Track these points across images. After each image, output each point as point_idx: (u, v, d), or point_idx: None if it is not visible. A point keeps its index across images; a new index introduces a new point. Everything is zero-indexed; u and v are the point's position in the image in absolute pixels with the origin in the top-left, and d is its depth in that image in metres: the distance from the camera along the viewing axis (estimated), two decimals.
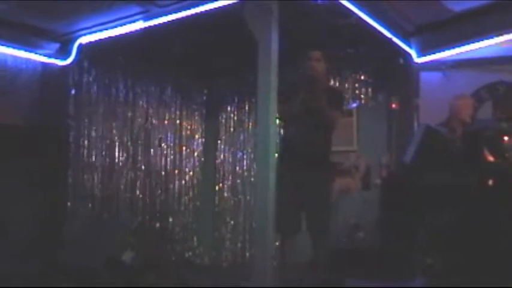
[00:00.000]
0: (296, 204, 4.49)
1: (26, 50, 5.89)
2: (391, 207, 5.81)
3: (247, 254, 7.07)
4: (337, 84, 6.78)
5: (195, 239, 7.38)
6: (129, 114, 6.86)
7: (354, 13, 5.50)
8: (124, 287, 4.81)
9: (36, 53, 5.98)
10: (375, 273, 5.30)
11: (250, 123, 7.44)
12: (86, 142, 6.41)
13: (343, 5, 5.35)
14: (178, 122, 7.44)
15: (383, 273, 5.29)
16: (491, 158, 5.04)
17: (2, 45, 5.75)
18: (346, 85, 6.81)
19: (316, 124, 4.52)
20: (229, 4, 5.09)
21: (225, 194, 7.61)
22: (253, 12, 4.70)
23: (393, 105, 6.65)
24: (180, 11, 5.39)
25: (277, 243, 4.92)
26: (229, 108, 7.70)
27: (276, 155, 4.63)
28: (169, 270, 5.58)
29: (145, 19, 5.57)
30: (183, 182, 7.46)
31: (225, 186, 7.63)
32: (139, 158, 6.95)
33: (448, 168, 4.95)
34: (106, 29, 5.80)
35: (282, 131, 5.29)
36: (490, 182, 4.93)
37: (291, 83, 4.68)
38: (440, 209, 4.97)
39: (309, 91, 4.50)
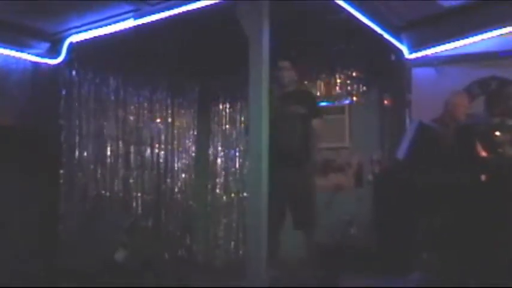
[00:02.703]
0: (277, 202, 4.59)
1: (15, 50, 5.84)
2: (384, 203, 5.90)
3: (241, 252, 7.08)
4: (330, 80, 6.82)
5: (188, 237, 7.37)
6: (121, 112, 6.84)
7: (344, 9, 5.52)
8: (124, 287, 4.78)
9: (26, 53, 5.93)
10: (368, 270, 5.33)
11: (243, 120, 7.46)
12: (77, 141, 6.37)
13: (334, 2, 5.36)
14: (170, 119, 7.44)
15: (377, 269, 5.32)
16: (484, 153, 5.08)
17: None
18: (338, 81, 6.86)
19: (291, 127, 4.76)
20: (220, 2, 5.09)
21: (218, 192, 7.63)
22: (244, 9, 4.71)
23: (385, 102, 6.72)
24: (171, 9, 5.38)
25: None
26: (221, 106, 7.72)
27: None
28: (164, 269, 5.57)
29: (136, 17, 5.55)
30: (176, 180, 7.46)
31: (218, 183, 7.64)
32: (132, 156, 6.93)
33: (441, 164, 4.99)
34: (96, 28, 5.77)
35: None
36: (483, 177, 4.97)
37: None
38: (433, 205, 4.99)
39: (279, 99, 4.74)
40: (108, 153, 6.69)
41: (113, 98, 6.78)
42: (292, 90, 5.01)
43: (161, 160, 7.29)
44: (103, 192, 6.53)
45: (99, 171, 6.55)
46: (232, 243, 7.38)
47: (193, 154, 7.69)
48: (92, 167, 6.49)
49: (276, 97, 4.66)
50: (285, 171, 4.66)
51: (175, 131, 7.50)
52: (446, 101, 5.36)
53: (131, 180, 6.89)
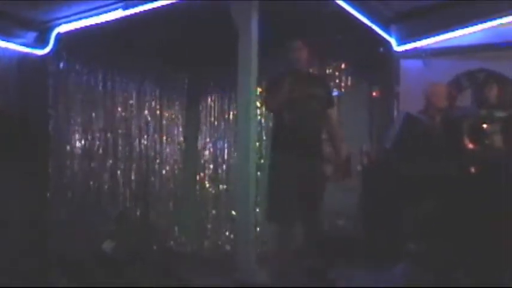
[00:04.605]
0: (293, 193, 4.46)
1: (1, 39, 5.76)
2: (373, 194, 5.93)
3: (230, 243, 7.09)
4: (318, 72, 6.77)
5: (176, 228, 7.40)
6: (109, 103, 6.81)
7: (333, 1, 5.53)
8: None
9: (12, 42, 5.84)
10: (356, 261, 5.38)
11: (232, 113, 7.47)
12: (65, 131, 6.36)
13: None
14: (158, 111, 7.42)
15: (365, 261, 5.37)
16: (471, 145, 5.13)
17: None
18: (327, 73, 6.86)
19: (309, 112, 4.53)
20: None
21: (207, 184, 7.64)
22: (234, 0, 4.73)
23: (374, 94, 6.76)
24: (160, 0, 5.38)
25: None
26: (210, 98, 7.72)
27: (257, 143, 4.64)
28: (152, 260, 5.58)
29: (125, 8, 5.52)
30: (164, 171, 7.46)
31: (206, 175, 7.66)
32: (120, 147, 6.90)
33: (429, 156, 5.03)
34: (85, 18, 5.72)
35: (272, 121, 5.28)
36: (470, 169, 5.02)
37: (277, 74, 4.67)
38: (421, 196, 5.04)
39: (295, 80, 4.49)
40: (97, 143, 6.66)
41: (101, 88, 6.74)
42: (308, 72, 4.81)
43: (150, 151, 7.28)
44: (91, 183, 6.51)
45: (87, 162, 6.52)
46: (222, 234, 7.39)
47: (182, 145, 7.68)
48: (80, 157, 6.46)
49: (292, 79, 4.46)
50: (302, 159, 4.48)
51: (164, 122, 7.48)
52: (426, 93, 5.43)
53: (119, 172, 6.86)
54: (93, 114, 6.63)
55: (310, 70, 4.94)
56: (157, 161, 7.36)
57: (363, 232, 6.07)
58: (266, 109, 5.87)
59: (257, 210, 6.06)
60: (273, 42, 4.89)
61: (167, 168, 7.50)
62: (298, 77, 4.52)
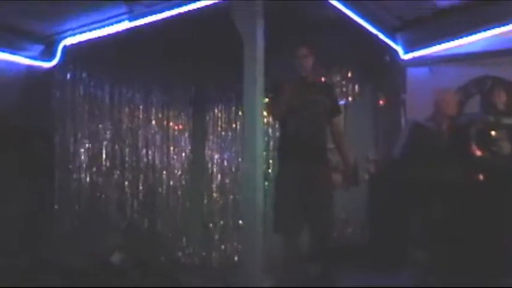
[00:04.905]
0: (298, 203, 4.40)
1: (9, 52, 5.82)
2: (380, 203, 5.92)
3: (237, 253, 7.03)
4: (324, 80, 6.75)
5: (184, 239, 7.37)
6: (116, 114, 6.83)
7: (339, 10, 5.53)
8: (121, 287, 4.78)
9: (20, 55, 5.91)
10: (363, 268, 5.36)
11: (238, 123, 7.47)
12: (72, 143, 6.38)
13: (329, 2, 5.38)
14: (165, 121, 7.43)
15: (372, 268, 5.35)
16: (478, 152, 5.10)
17: None
18: (333, 81, 6.83)
19: (314, 120, 4.47)
20: (215, 2, 5.10)
21: (214, 194, 7.62)
22: (239, 8, 4.72)
23: (380, 102, 6.75)
24: (166, 11, 5.39)
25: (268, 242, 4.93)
26: (217, 107, 7.71)
27: (265, 153, 4.62)
28: (160, 271, 5.57)
29: (131, 19, 5.55)
30: (172, 182, 7.46)
31: (214, 185, 7.64)
32: (127, 158, 6.93)
33: (436, 163, 4.98)
34: (91, 30, 5.77)
35: (278, 129, 5.26)
36: (478, 176, 5.00)
37: (281, 81, 4.62)
38: (428, 204, 5.00)
39: (299, 87, 4.45)
40: (103, 155, 6.69)
41: (107, 100, 6.77)
42: (313, 79, 4.72)
43: (157, 162, 7.28)
44: (98, 194, 6.52)
45: (94, 173, 6.53)
46: (228, 245, 7.35)
47: (189, 156, 7.68)
48: (87, 168, 6.47)
49: (298, 86, 4.42)
50: (308, 167, 4.41)
51: (171, 132, 7.48)
52: (435, 100, 5.38)
53: (126, 183, 6.88)
54: (100, 125, 6.67)
55: (316, 77, 4.88)
56: (164, 172, 7.36)
57: (370, 240, 6.06)
58: (270, 117, 5.87)
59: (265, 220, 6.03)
60: (278, 50, 4.89)
61: (174, 179, 7.49)
62: (302, 84, 4.48)
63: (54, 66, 6.10)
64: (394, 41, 6.53)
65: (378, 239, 5.85)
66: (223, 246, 7.40)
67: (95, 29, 5.76)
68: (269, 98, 4.82)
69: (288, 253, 4.47)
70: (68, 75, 6.34)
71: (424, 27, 6.38)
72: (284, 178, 4.49)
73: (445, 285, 4.61)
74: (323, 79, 6.31)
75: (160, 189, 7.31)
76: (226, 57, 5.75)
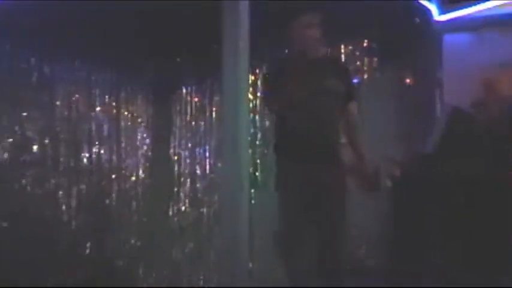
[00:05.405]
0: (304, 209, 4.47)
1: None
2: (406, 216, 5.95)
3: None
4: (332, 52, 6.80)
5: (140, 269, 7.32)
6: (46, 98, 6.76)
7: None
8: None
9: None
10: None
11: (214, 109, 7.47)
12: None
13: None
14: (115, 108, 7.41)
15: None
16: None
17: None
18: (343, 53, 6.90)
19: (322, 111, 4.48)
20: None
21: (182, 206, 7.61)
22: None
23: (407, 81, 6.76)
24: None
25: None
26: (185, 89, 7.70)
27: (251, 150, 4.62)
28: None
29: None
30: (124, 189, 7.44)
31: (182, 194, 7.62)
32: (61, 158, 6.85)
33: (485, 164, 5.06)
34: None
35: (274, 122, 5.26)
36: None
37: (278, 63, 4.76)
38: (472, 219, 5.15)
39: (303, 71, 4.46)
40: (30, 153, 6.58)
41: (35, 79, 6.66)
42: (321, 58, 4.69)
43: (103, 163, 7.24)
44: (19, 208, 6.39)
45: (16, 178, 6.45)
46: (200, 270, 7.29)
47: (147, 154, 7.67)
48: (7, 170, 6.41)
49: (301, 68, 4.42)
50: (316, 167, 4.45)
51: (122, 123, 7.47)
52: (486, 80, 5.55)
53: (60, 192, 6.79)
54: (25, 113, 6.55)
55: (324, 56, 4.88)
56: (113, 176, 7.31)
57: (388, 265, 6.12)
58: (266, 108, 5.94)
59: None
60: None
61: (127, 185, 7.45)
62: (306, 66, 4.48)
63: None
64: None
65: (400, 264, 5.86)
66: (195, 277, 7.33)
67: None
68: (265, 85, 4.93)
69: (290, 279, 4.52)
70: None
71: None
72: (283, 184, 4.56)
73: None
74: (333, 57, 6.32)
75: (107, 200, 7.26)
76: (198, 21, 5.84)
